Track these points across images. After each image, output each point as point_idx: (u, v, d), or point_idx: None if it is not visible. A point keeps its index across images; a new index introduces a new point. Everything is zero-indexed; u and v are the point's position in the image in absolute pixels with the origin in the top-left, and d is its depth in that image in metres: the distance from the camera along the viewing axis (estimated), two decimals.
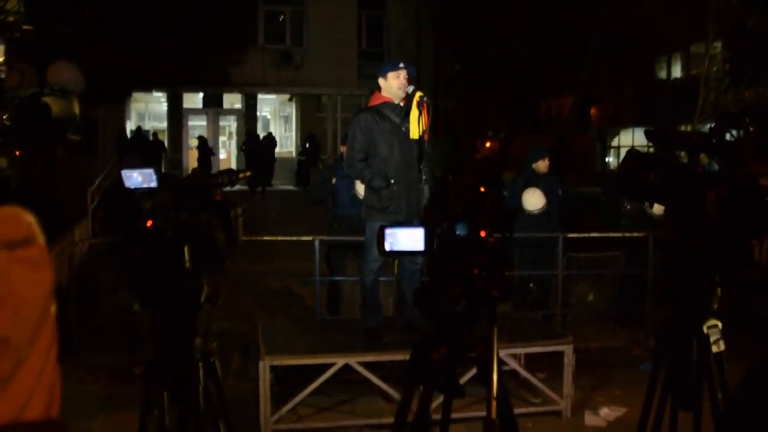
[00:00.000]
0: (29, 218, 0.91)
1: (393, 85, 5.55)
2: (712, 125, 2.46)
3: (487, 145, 32.71)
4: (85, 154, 17.79)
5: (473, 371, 2.46)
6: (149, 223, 2.71)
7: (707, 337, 2.48)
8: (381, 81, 5.63)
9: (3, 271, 0.83)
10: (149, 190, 2.77)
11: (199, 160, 23.99)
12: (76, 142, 2.57)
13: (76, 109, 2.59)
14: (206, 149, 24.37)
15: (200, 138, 25.13)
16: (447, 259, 2.08)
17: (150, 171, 2.76)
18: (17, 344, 0.83)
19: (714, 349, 2.48)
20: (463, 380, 4.36)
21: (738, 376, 2.76)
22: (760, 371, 1.64)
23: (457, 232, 2.10)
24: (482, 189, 2.11)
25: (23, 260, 0.84)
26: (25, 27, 7.25)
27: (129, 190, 2.75)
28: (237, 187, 21.37)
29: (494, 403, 1.83)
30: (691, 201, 2.35)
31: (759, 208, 2.23)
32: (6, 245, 0.83)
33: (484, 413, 1.88)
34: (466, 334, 2.14)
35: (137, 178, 2.77)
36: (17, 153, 2.41)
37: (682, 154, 2.69)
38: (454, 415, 2.41)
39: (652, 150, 2.88)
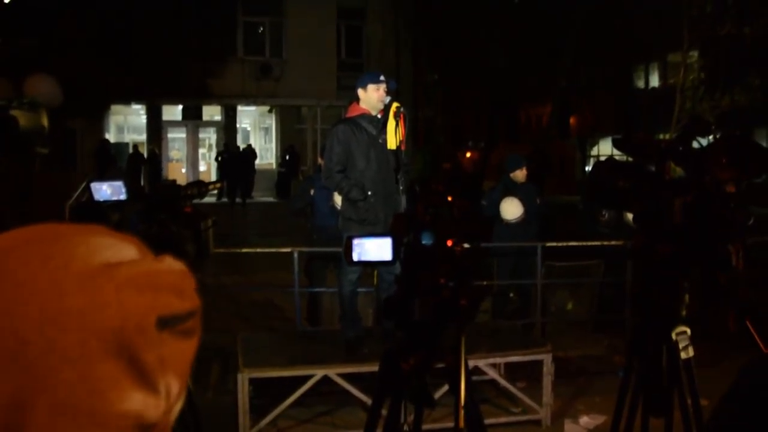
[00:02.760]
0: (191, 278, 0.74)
1: (373, 97, 5.55)
2: (679, 133, 2.49)
3: (468, 155, 32.82)
4: (64, 168, 17.69)
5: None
6: None
7: (676, 343, 2.49)
8: (360, 92, 5.62)
9: (180, 361, 0.69)
10: (118, 202, 2.74)
11: (151, 174, 23.75)
12: (45, 155, 2.54)
13: (45, 121, 2.56)
14: (157, 163, 24.28)
15: (151, 151, 24.97)
16: (413, 268, 2.07)
17: (119, 183, 2.73)
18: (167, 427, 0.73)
19: (683, 355, 2.50)
20: (439, 393, 4.36)
21: (707, 383, 2.77)
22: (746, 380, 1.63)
23: (423, 242, 2.09)
24: (450, 198, 2.11)
25: (182, 332, 0.70)
26: None
27: (97, 203, 2.72)
28: (216, 200, 21.30)
29: (462, 413, 1.82)
30: (658, 208, 2.36)
31: (725, 215, 2.25)
32: (173, 319, 0.68)
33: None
34: (435, 344, 2.13)
35: (106, 190, 2.73)
36: None
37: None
38: (428, 426, 2.41)
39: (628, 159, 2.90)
